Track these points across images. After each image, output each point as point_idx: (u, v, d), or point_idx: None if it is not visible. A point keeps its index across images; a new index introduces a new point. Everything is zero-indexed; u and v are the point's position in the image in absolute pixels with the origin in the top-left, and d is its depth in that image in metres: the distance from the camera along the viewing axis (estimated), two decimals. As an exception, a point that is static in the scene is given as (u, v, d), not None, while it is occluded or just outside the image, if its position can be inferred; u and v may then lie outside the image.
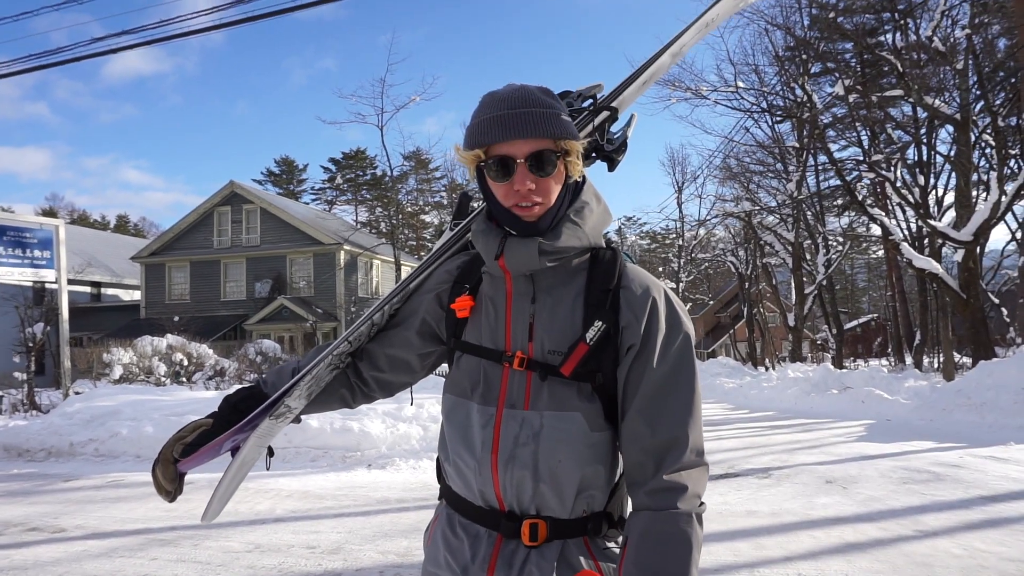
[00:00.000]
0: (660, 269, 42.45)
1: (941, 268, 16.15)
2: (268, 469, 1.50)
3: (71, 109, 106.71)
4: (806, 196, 24.49)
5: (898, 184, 17.96)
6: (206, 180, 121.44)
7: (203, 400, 10.00)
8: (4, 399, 12.66)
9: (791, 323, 26.59)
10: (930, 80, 17.30)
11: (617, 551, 1.24)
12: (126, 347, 15.67)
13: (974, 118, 16.92)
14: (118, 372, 14.82)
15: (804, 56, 21.21)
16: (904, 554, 4.11)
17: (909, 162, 21.33)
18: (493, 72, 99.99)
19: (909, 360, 24.85)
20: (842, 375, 15.52)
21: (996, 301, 21.37)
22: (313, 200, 58.15)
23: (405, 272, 31.00)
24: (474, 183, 1.28)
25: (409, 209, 45.07)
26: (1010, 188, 14.49)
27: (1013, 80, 18.52)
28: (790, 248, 26.04)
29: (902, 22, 18.88)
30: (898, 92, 17.01)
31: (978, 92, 17.55)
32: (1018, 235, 21.64)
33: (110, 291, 34.45)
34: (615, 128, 1.39)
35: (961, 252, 15.27)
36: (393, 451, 7.96)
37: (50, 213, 52.46)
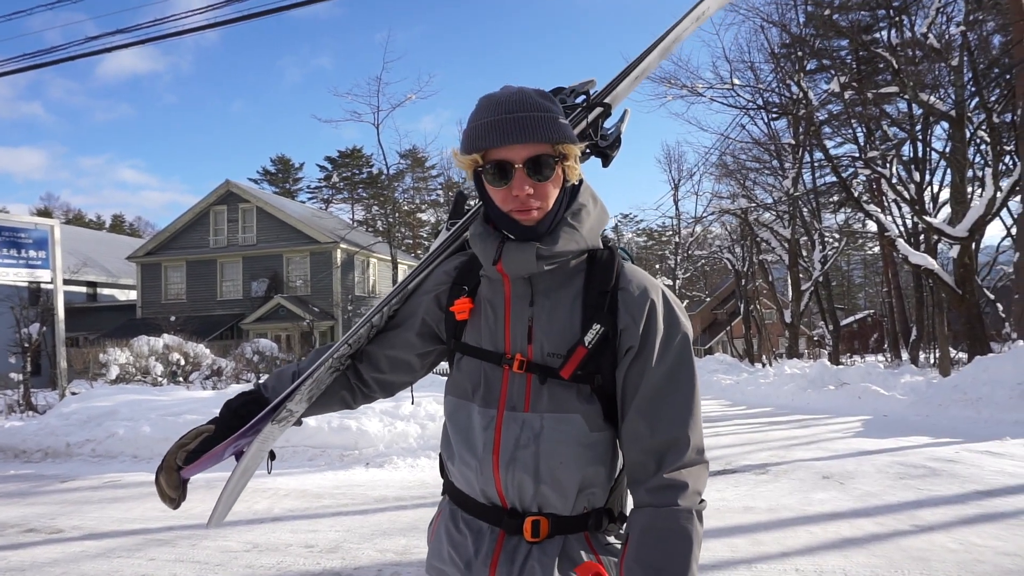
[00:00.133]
0: (656, 266, 42.50)
1: (937, 264, 16.19)
2: (270, 472, 1.50)
3: (66, 108, 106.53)
4: (802, 193, 24.53)
5: (894, 180, 18.00)
6: (202, 179, 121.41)
7: (200, 400, 9.99)
8: (0, 400, 12.63)
9: (788, 319, 26.66)
10: (925, 77, 17.33)
11: (618, 546, 1.26)
12: (122, 347, 15.64)
13: (969, 115, 16.95)
14: (114, 372, 14.79)
15: (800, 53, 21.22)
16: (900, 549, 4.13)
17: (905, 159, 21.38)
18: (490, 71, 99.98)
19: (905, 356, 24.92)
20: (838, 371, 15.55)
21: (992, 297, 21.42)
22: (309, 199, 58.12)
23: (402, 270, 31.04)
24: (468, 185, 1.28)
25: (405, 207, 45.11)
26: (1005, 184, 14.54)
27: (1008, 77, 18.55)
28: (786, 245, 26.10)
29: (897, 19, 18.93)
30: (893, 89, 17.05)
31: (973, 89, 17.57)
32: (1013, 231, 21.69)
33: (106, 291, 34.38)
34: (609, 124, 1.39)
35: (957, 248, 15.31)
36: (391, 449, 7.96)
37: (45, 213, 52.31)
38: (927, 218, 17.04)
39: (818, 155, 23.74)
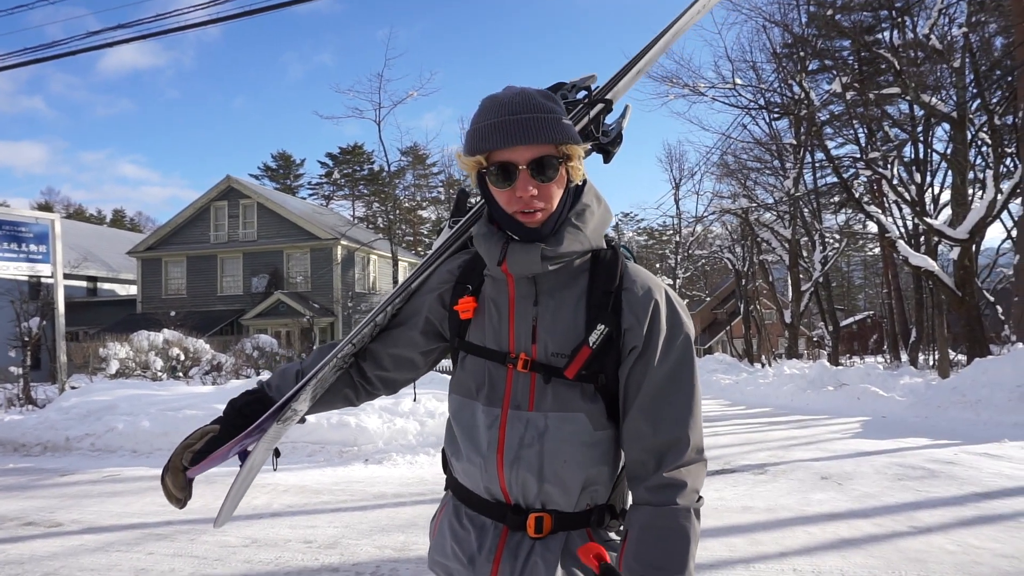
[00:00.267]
0: (657, 265, 42.47)
1: (937, 266, 16.19)
2: (275, 469, 1.51)
3: (67, 103, 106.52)
4: (803, 193, 24.53)
5: (895, 182, 18.00)
6: (203, 175, 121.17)
7: (200, 395, 9.99)
8: (0, 394, 12.65)
9: (787, 320, 26.66)
10: (927, 78, 17.33)
11: (619, 541, 1.27)
12: (122, 342, 15.64)
13: (971, 116, 16.95)
14: (114, 367, 14.79)
15: (802, 53, 21.20)
16: (898, 550, 4.13)
17: (906, 160, 21.39)
18: (492, 69, 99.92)
19: (904, 357, 24.93)
20: (838, 372, 15.56)
21: (991, 299, 21.43)
22: (310, 195, 58.05)
23: (402, 267, 31.04)
24: (469, 182, 1.28)
25: (406, 204, 45.06)
26: (1006, 186, 14.54)
27: (1010, 79, 18.54)
28: (787, 245, 26.09)
29: (900, 20, 18.91)
30: (895, 90, 17.03)
31: (975, 90, 17.57)
32: (1014, 233, 21.69)
33: (106, 286, 34.39)
34: (610, 120, 1.39)
35: (957, 250, 15.31)
36: (390, 446, 7.97)
37: (46, 207, 52.26)
38: (928, 220, 17.03)
39: (819, 155, 23.81)
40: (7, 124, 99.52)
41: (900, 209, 22.38)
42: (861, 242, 35.17)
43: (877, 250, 33.22)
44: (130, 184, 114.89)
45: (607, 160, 1.40)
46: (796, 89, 21.77)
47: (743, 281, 33.05)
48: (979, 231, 14.92)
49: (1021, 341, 15.09)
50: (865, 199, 20.74)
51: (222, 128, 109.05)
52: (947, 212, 20.26)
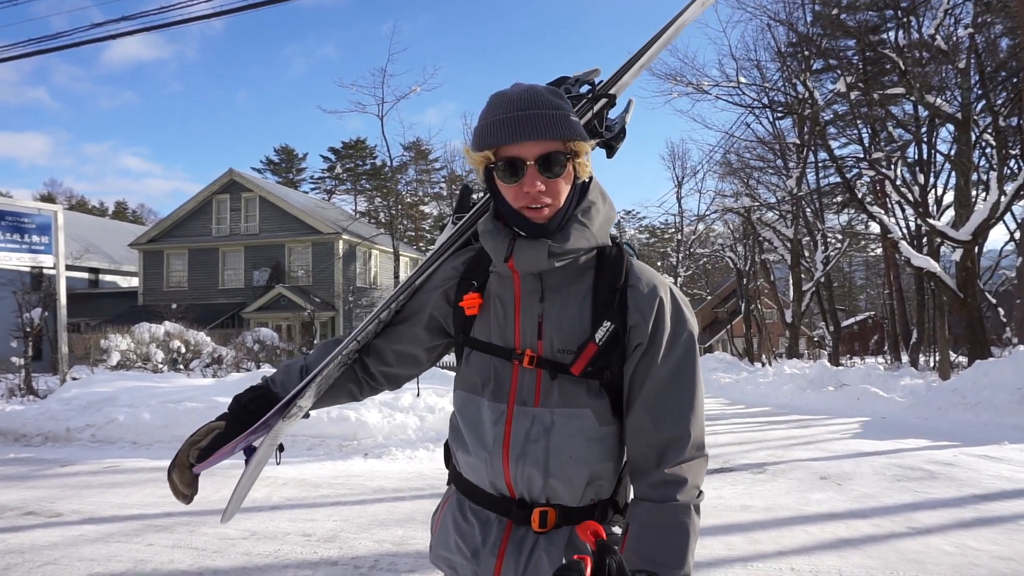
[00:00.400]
0: (659, 264, 42.44)
1: (939, 267, 16.17)
2: (279, 463, 1.52)
3: (70, 95, 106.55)
4: (806, 193, 24.49)
5: (898, 182, 17.96)
6: (205, 168, 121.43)
7: (200, 388, 10.01)
8: (1, 384, 12.67)
9: (788, 319, 26.64)
10: (932, 79, 17.27)
11: (619, 536, 1.27)
12: (124, 334, 15.66)
13: (975, 117, 16.92)
14: (115, 358, 14.81)
15: (806, 52, 21.14)
16: (897, 550, 4.14)
17: (909, 160, 21.34)
18: (496, 64, 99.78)
19: (905, 358, 24.92)
20: (838, 372, 15.56)
21: (993, 301, 21.43)
22: (312, 189, 58.03)
23: (403, 262, 31.03)
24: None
25: (408, 200, 45.05)
26: (1009, 188, 14.50)
27: (1015, 80, 18.50)
28: (789, 245, 26.06)
29: (905, 20, 18.85)
30: (900, 90, 16.99)
31: (980, 91, 17.54)
32: (1016, 235, 21.65)
33: (108, 277, 34.42)
34: (613, 114, 1.39)
35: (959, 251, 15.29)
36: (390, 440, 7.98)
37: (48, 199, 52.29)
38: (930, 221, 17.01)
39: (822, 155, 23.74)
40: (11, 115, 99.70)
41: (903, 210, 22.35)
42: (863, 242, 35.13)
43: (879, 251, 33.16)
44: (133, 176, 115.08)
45: (610, 155, 1.40)
46: (800, 88, 21.71)
47: (744, 280, 32.99)
48: (982, 233, 14.89)
49: (1022, 343, 15.08)
50: (868, 199, 20.70)
51: (225, 121, 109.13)
52: (950, 213, 20.24)
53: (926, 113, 19.18)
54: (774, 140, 25.47)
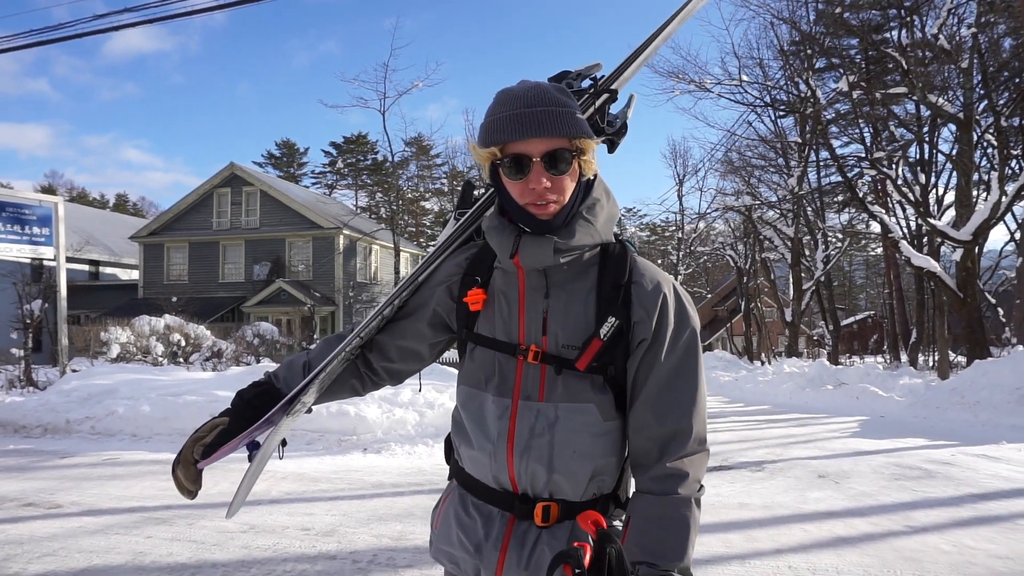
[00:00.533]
0: (659, 261, 42.43)
1: (939, 267, 16.17)
2: (281, 458, 1.53)
3: (72, 86, 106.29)
4: (807, 192, 24.47)
5: (899, 182, 17.96)
6: (206, 161, 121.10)
7: (200, 381, 10.02)
8: (1, 375, 12.68)
9: (788, 318, 26.65)
10: (934, 78, 17.24)
11: (620, 529, 1.29)
12: (124, 326, 15.66)
13: (977, 117, 16.89)
14: (115, 351, 14.82)
15: (809, 51, 21.09)
16: (894, 549, 4.15)
17: (911, 160, 21.31)
18: (499, 61, 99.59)
19: (904, 358, 24.93)
20: (837, 371, 15.57)
21: (993, 301, 21.42)
22: (313, 184, 58.04)
23: (404, 258, 31.01)
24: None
25: (409, 195, 44.98)
26: (1011, 188, 14.49)
27: (1017, 80, 18.48)
28: (789, 243, 26.05)
29: (908, 19, 18.81)
30: (902, 89, 16.97)
31: (982, 91, 17.50)
32: (1017, 236, 21.64)
33: (108, 270, 34.41)
34: (614, 109, 1.39)
35: (960, 251, 15.29)
36: (389, 436, 7.99)
37: (49, 190, 52.26)
38: (931, 220, 17.00)
39: (824, 154, 23.69)
40: (12, 106, 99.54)
41: (904, 209, 22.33)
42: (864, 242, 35.13)
43: (879, 250, 33.18)
44: (134, 169, 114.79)
45: (611, 150, 1.41)
46: (802, 87, 21.67)
47: (744, 278, 33.00)
48: (982, 233, 14.89)
49: (1021, 343, 15.09)
50: (869, 199, 20.69)
51: (226, 115, 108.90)
52: (951, 213, 20.20)
53: (928, 113, 19.15)
54: (776, 139, 25.44)
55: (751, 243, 31.46)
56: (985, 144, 18.78)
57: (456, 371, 1.43)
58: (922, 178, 20.71)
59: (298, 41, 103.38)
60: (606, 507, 1.28)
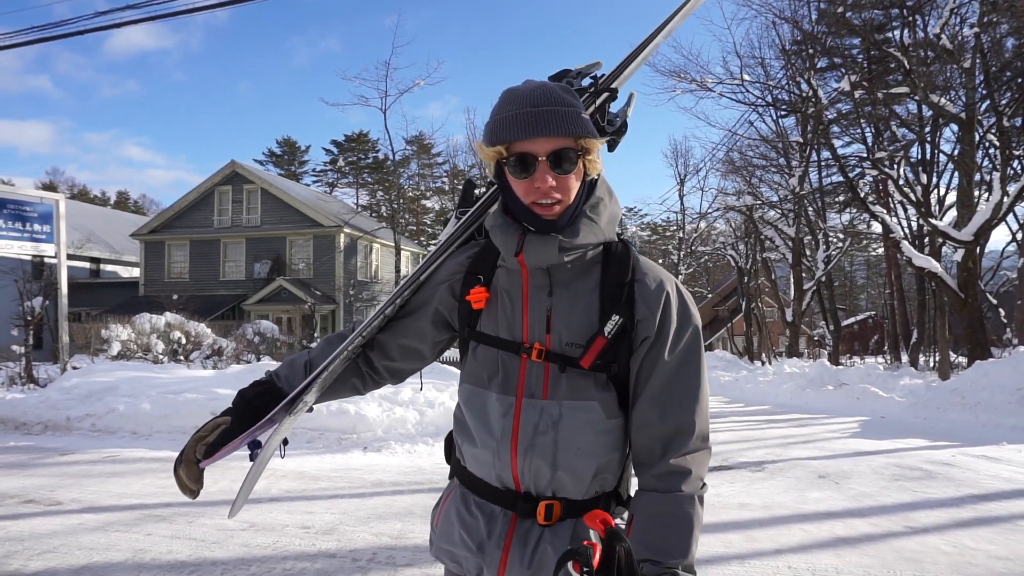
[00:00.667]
0: (660, 261, 42.41)
1: (940, 267, 16.16)
2: (283, 457, 1.53)
3: (73, 83, 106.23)
4: (808, 192, 24.44)
5: (900, 182, 17.94)
6: (207, 159, 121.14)
7: (200, 379, 10.02)
8: (2, 372, 12.70)
9: (789, 318, 26.63)
10: (936, 78, 17.22)
11: (623, 527, 1.29)
12: (124, 324, 15.67)
13: (979, 118, 16.86)
14: (116, 348, 14.82)
15: (811, 50, 21.07)
16: (894, 550, 4.14)
17: (912, 160, 21.30)
18: (500, 60, 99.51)
19: (905, 358, 24.93)
20: (838, 371, 15.57)
21: (994, 302, 21.43)
22: (314, 182, 58.00)
23: (404, 256, 31.01)
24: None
25: (410, 194, 44.99)
26: (1012, 189, 14.48)
27: (1020, 80, 18.45)
28: (790, 243, 26.02)
29: (910, 19, 18.80)
30: (904, 89, 16.94)
31: (984, 91, 17.46)
32: (1019, 236, 21.65)
33: (109, 267, 34.42)
34: (614, 108, 1.40)
35: (961, 252, 15.28)
36: (389, 434, 7.99)
37: (50, 187, 52.29)
38: (932, 221, 16.98)
39: (825, 154, 23.66)
40: (13, 102, 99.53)
41: (905, 210, 22.31)
42: (865, 242, 35.09)
43: (881, 250, 33.15)
44: (135, 166, 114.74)
45: (611, 149, 1.41)
46: (804, 86, 21.64)
47: (745, 278, 32.97)
48: (984, 233, 14.87)
49: (1022, 344, 15.07)
50: (870, 199, 20.67)
51: (228, 113, 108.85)
52: (952, 214, 20.18)
53: (930, 113, 19.13)
54: (777, 138, 25.41)
55: (752, 243, 31.43)
56: (987, 144, 18.76)
57: (456, 370, 1.43)
58: (924, 178, 20.70)
59: (299, 39, 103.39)
60: (608, 505, 1.29)
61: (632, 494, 1.33)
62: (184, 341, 15.86)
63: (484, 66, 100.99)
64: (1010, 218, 19.58)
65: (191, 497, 1.38)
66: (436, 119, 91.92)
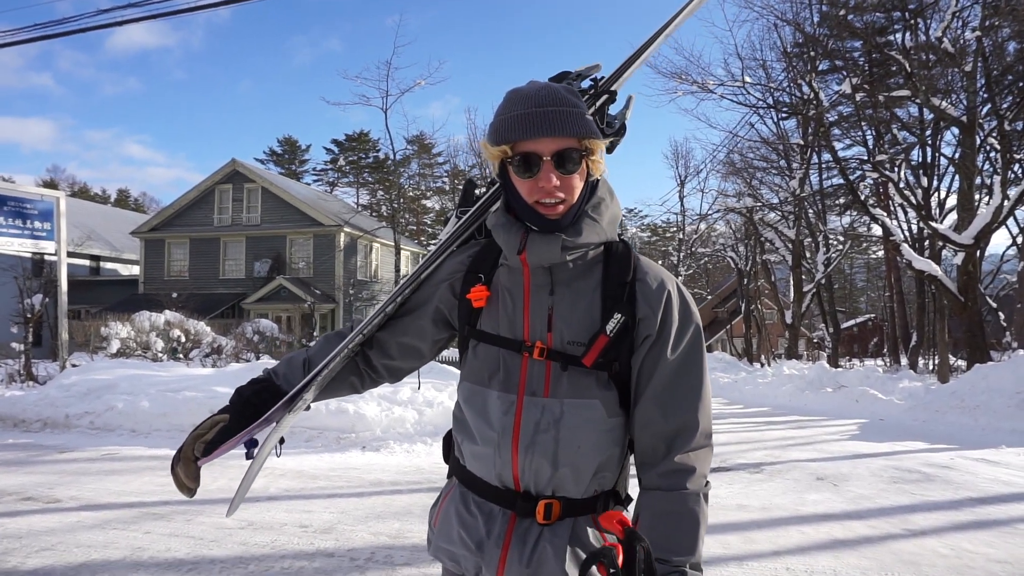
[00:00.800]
0: (660, 262, 42.39)
1: (940, 270, 16.15)
2: (279, 455, 1.53)
3: (74, 81, 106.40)
4: (808, 194, 24.44)
5: (901, 185, 17.93)
6: (208, 157, 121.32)
7: (199, 377, 10.02)
8: (1, 369, 12.69)
9: (788, 320, 26.62)
10: (938, 81, 17.21)
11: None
12: (124, 321, 15.67)
13: (980, 121, 16.85)
14: (115, 346, 14.83)
15: (812, 53, 21.06)
16: (892, 552, 4.14)
17: (913, 163, 21.30)
18: (501, 61, 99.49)
19: (904, 361, 24.92)
20: (837, 374, 15.56)
21: (994, 305, 21.42)
22: (315, 181, 57.98)
23: (404, 256, 31.02)
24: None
25: (411, 193, 44.99)
26: (1013, 193, 14.49)
27: (1021, 84, 18.45)
28: (790, 246, 26.02)
29: (912, 22, 18.77)
30: (905, 92, 16.94)
31: (985, 95, 17.46)
32: (1019, 240, 21.65)
33: (109, 265, 34.42)
34: (613, 110, 1.40)
35: (961, 255, 15.27)
36: (388, 434, 7.99)
37: (51, 185, 52.20)
38: (933, 224, 16.98)
39: (826, 156, 23.65)
40: (15, 99, 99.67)
41: (905, 213, 22.30)
42: (865, 244, 35.04)
43: (881, 253, 33.09)
44: (135, 164, 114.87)
45: (610, 151, 1.41)
46: (805, 89, 21.62)
47: (745, 280, 32.97)
48: (984, 237, 14.88)
49: (1022, 348, 15.08)
50: (871, 201, 20.69)
51: (229, 111, 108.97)
52: (952, 217, 20.17)
53: (931, 116, 19.13)
54: (778, 140, 25.40)
55: (752, 245, 31.43)
56: (988, 148, 18.76)
57: (455, 370, 1.44)
58: (924, 181, 20.71)
59: (301, 38, 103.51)
60: (606, 503, 1.30)
61: (630, 493, 1.34)
62: (183, 339, 15.87)
63: (485, 66, 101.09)
64: (1010, 222, 19.57)
65: (189, 495, 1.38)
66: (437, 119, 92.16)
